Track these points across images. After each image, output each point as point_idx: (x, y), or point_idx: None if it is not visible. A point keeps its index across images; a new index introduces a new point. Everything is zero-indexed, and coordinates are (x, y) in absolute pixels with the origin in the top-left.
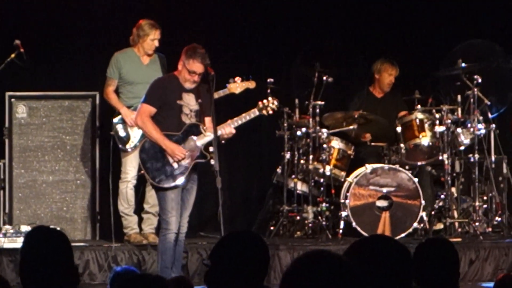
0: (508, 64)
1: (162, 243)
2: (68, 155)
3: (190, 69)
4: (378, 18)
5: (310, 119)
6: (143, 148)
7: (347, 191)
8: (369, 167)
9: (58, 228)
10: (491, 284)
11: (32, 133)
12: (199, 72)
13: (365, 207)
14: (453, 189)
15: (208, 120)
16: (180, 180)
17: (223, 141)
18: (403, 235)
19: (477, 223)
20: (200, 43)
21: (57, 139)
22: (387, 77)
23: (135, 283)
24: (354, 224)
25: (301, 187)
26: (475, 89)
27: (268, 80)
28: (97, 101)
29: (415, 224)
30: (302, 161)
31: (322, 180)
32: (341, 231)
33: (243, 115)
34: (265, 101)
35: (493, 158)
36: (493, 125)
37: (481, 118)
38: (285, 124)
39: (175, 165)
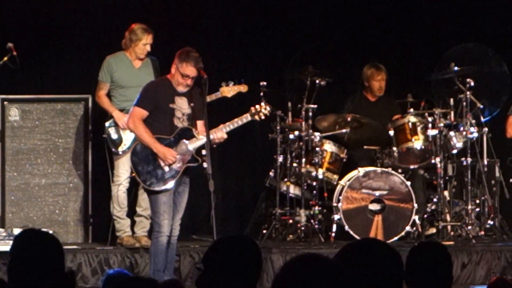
0: (501, 68)
1: (154, 246)
2: (61, 158)
3: (183, 73)
4: (372, 21)
5: (303, 122)
6: (135, 151)
7: (340, 194)
8: (361, 171)
9: (51, 231)
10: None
11: (24, 136)
12: (192, 75)
13: (358, 210)
14: (446, 193)
15: (200, 123)
16: (171, 184)
17: (214, 145)
18: (395, 238)
19: (469, 227)
20: (193, 47)
21: (49, 142)
22: (375, 83)
23: (127, 286)
24: (346, 227)
25: (293, 190)
26: (468, 93)
27: (261, 83)
28: (90, 104)
29: (408, 228)
30: (294, 164)
31: (314, 183)
32: (333, 234)
33: (235, 120)
34: (257, 106)
35: (485, 162)
36: (486, 129)
37: (473, 121)
38: (278, 127)
39: (166, 169)
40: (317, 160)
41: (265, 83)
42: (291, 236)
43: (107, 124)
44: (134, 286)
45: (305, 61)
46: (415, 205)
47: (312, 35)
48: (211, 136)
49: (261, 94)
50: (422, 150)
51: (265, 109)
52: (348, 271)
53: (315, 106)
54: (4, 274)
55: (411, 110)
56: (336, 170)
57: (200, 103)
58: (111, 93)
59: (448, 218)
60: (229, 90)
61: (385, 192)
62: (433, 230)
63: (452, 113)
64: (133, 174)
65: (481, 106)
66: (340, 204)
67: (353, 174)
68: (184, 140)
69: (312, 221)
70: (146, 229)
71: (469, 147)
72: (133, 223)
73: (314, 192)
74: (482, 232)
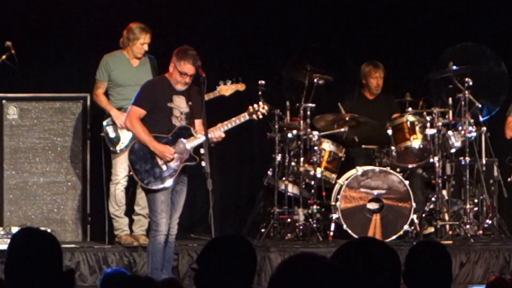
0: (499, 67)
1: (152, 245)
2: (59, 156)
3: (181, 71)
4: (370, 20)
5: (301, 121)
6: (132, 150)
7: (338, 193)
8: (360, 170)
9: (49, 230)
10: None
11: (23, 134)
12: (190, 73)
13: (356, 209)
14: (444, 192)
15: (198, 122)
16: (169, 182)
17: (212, 144)
18: (393, 237)
19: (467, 226)
20: (191, 45)
21: (48, 141)
22: (372, 80)
23: (125, 284)
24: (345, 226)
25: (292, 189)
26: (466, 92)
27: (259, 82)
28: (88, 103)
29: (406, 227)
30: (293, 163)
31: (313, 182)
32: (332, 233)
33: (233, 119)
34: (255, 105)
35: (484, 161)
36: (484, 128)
37: (472, 121)
38: (276, 126)
39: (164, 167)
40: (315, 159)
41: (263, 82)
42: (289, 235)
43: (104, 122)
44: (132, 285)
45: (304, 60)
46: (414, 204)
47: (311, 34)
48: (209, 135)
49: (260, 93)
50: (420, 149)
51: (263, 108)
52: (344, 270)
53: (313, 105)
54: (1, 273)
55: (410, 109)
56: (334, 169)
57: (198, 102)
58: (109, 92)
59: (447, 217)
60: (226, 89)
61: (383, 191)
62: (431, 229)
63: (451, 112)
64: (131, 173)
65: (480, 106)
66: (338, 203)
67: (351, 173)
68: (182, 139)
69: (310, 220)
70: (144, 228)
71: (467, 146)
72: (131, 222)
73: (312, 191)
74: (481, 232)
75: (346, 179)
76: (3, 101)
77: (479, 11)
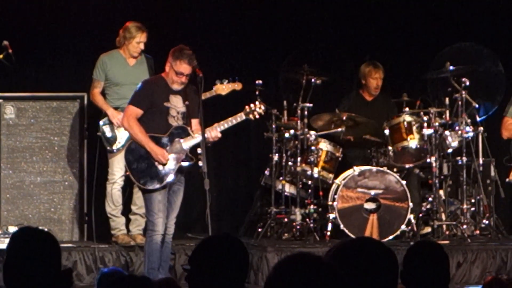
0: (496, 67)
1: (149, 244)
2: (56, 156)
3: (178, 70)
4: (367, 20)
5: (298, 121)
6: (129, 149)
7: (335, 193)
8: (357, 170)
9: (46, 229)
10: (479, 287)
11: (20, 134)
12: (186, 73)
13: (353, 209)
14: (441, 192)
15: (195, 122)
16: (165, 182)
17: (208, 144)
18: (390, 237)
19: (464, 226)
20: (188, 45)
21: (45, 140)
22: (372, 81)
23: (121, 284)
24: (342, 226)
25: (289, 189)
26: (463, 92)
27: (257, 82)
28: (85, 102)
29: (403, 227)
30: (290, 163)
31: (310, 182)
32: (329, 233)
33: (230, 119)
34: (252, 105)
35: (481, 161)
36: (481, 128)
37: (469, 121)
38: (273, 126)
39: (160, 167)
40: (312, 159)
41: (260, 81)
42: (286, 234)
43: (101, 122)
44: (129, 284)
45: (301, 60)
46: (411, 204)
47: (308, 34)
48: (205, 135)
49: (257, 93)
50: (417, 149)
51: (260, 108)
52: (339, 270)
53: (311, 105)
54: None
55: (407, 109)
56: (331, 169)
57: (195, 101)
58: (106, 91)
59: (443, 217)
60: (223, 88)
61: (380, 191)
62: (428, 229)
63: (448, 112)
64: (127, 173)
65: (477, 106)
66: (335, 203)
67: (348, 173)
68: (178, 139)
69: (307, 220)
70: (141, 227)
71: (464, 146)
72: (128, 221)
73: (310, 191)
74: (477, 232)
75: (343, 179)
76: (0, 101)
77: (475, 11)
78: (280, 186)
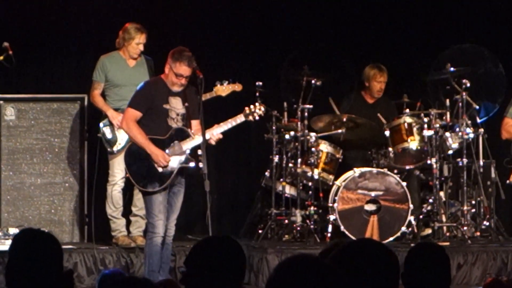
0: (497, 69)
1: (149, 246)
2: (57, 157)
3: (177, 72)
4: (367, 21)
5: (299, 123)
6: (129, 151)
7: (335, 194)
8: (357, 171)
9: (47, 231)
10: None
11: (20, 135)
12: (186, 75)
13: (353, 211)
14: (441, 193)
15: (195, 123)
16: (165, 184)
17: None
18: (391, 239)
19: (465, 227)
20: (188, 46)
21: (45, 142)
22: (376, 84)
23: (123, 286)
24: (342, 228)
25: (289, 190)
26: (464, 94)
27: (257, 83)
28: (86, 104)
29: (403, 228)
30: (290, 165)
31: (310, 183)
32: (329, 234)
33: (229, 120)
34: (251, 106)
35: (481, 163)
36: (482, 130)
37: (469, 122)
38: (274, 128)
39: (160, 169)
40: (312, 161)
41: (260, 83)
42: (286, 236)
43: (101, 123)
44: (129, 286)
45: (301, 61)
46: (411, 205)
47: (308, 35)
48: (206, 137)
49: (257, 94)
50: (417, 150)
51: (259, 109)
52: (340, 271)
53: (311, 106)
54: (0, 273)
55: (407, 110)
56: (331, 170)
57: (195, 102)
58: (106, 93)
59: (444, 218)
60: (223, 89)
61: (380, 193)
62: (429, 231)
63: (448, 113)
64: (127, 175)
65: (477, 107)
66: (335, 205)
67: (348, 174)
68: (178, 141)
69: (307, 221)
70: (142, 229)
71: (465, 148)
72: (128, 223)
73: (310, 192)
74: (478, 233)
75: (344, 181)
76: (1, 102)
77: (476, 12)
78: (280, 188)
